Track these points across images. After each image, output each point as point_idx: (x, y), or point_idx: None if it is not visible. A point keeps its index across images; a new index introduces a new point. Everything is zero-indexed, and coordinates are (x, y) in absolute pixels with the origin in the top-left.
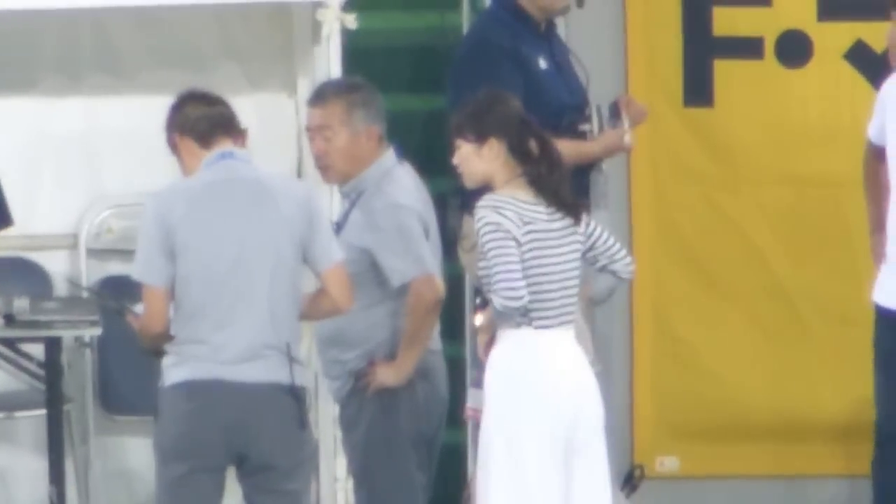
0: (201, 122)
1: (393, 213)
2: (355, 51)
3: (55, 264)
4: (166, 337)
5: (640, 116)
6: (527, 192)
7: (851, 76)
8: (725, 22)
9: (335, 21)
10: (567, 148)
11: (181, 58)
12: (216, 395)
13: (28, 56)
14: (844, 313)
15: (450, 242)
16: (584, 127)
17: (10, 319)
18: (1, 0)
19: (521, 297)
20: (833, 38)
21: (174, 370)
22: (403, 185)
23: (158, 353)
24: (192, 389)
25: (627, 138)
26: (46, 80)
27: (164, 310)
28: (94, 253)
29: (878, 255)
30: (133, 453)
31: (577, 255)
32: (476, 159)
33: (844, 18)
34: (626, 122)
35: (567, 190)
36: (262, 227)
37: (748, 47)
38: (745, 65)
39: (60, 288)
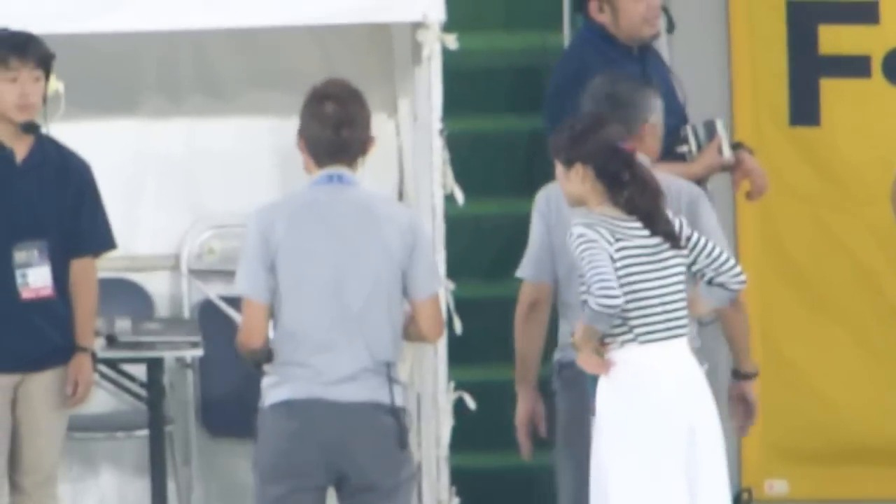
0: (320, 145)
1: None
2: (456, 71)
3: (157, 285)
4: (265, 353)
5: (761, 182)
6: (621, 211)
7: None
8: (831, 40)
9: (435, 41)
10: (667, 172)
11: (281, 79)
12: (316, 415)
13: (129, 78)
14: None
15: None
16: (682, 149)
17: (112, 340)
18: (103, 23)
19: (616, 297)
20: None
21: (274, 390)
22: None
23: (256, 365)
24: (292, 409)
25: (727, 152)
26: (147, 101)
27: (263, 324)
28: (195, 274)
29: None
30: (235, 475)
31: (680, 268)
32: (566, 182)
33: None
34: (723, 138)
35: (661, 214)
36: (362, 250)
37: (855, 66)
38: (851, 83)
39: (162, 309)
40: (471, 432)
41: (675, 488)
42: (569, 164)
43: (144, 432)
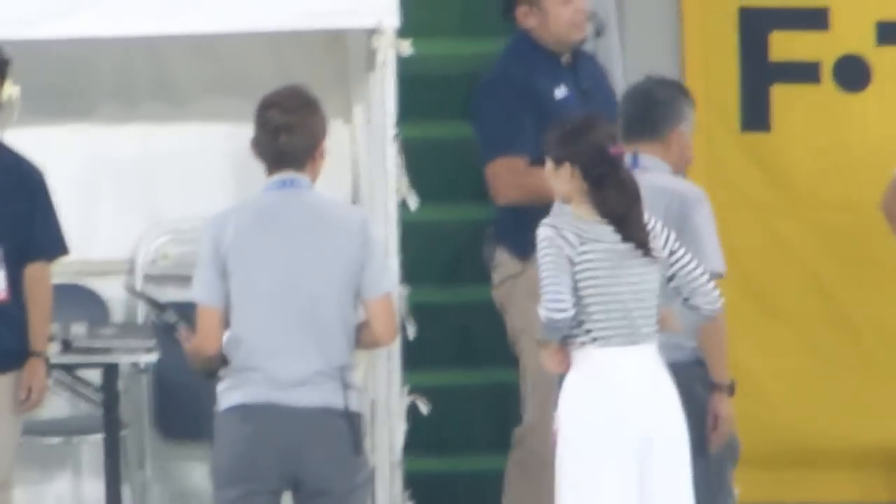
0: (263, 151)
1: None
2: (410, 77)
3: (112, 290)
4: (219, 359)
5: None
6: (597, 212)
7: None
8: (782, 46)
9: (390, 48)
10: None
11: (236, 85)
12: (271, 419)
13: (85, 84)
14: None
15: (486, 272)
16: None
17: (68, 345)
18: (59, 28)
19: (564, 311)
20: (892, 62)
21: (229, 394)
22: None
23: (210, 375)
24: (246, 413)
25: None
26: (103, 107)
27: (217, 330)
28: (150, 279)
29: None
30: (190, 478)
31: (651, 276)
32: (554, 179)
33: None
34: None
35: (635, 220)
36: (314, 254)
37: (805, 72)
38: (802, 89)
39: (117, 314)
40: (424, 436)
41: (621, 496)
42: (558, 162)
43: (99, 437)
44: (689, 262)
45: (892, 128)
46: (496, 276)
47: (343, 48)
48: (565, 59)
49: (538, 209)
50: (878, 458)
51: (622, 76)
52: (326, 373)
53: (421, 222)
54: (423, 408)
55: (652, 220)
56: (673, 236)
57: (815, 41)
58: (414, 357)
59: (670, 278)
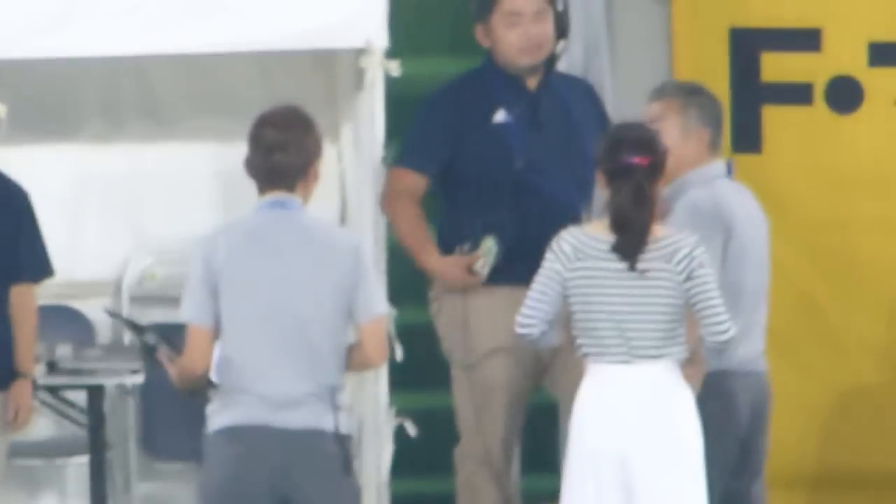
0: (256, 170)
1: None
2: (399, 97)
3: (98, 312)
4: (206, 380)
5: None
6: (607, 227)
7: None
8: (774, 68)
9: (378, 68)
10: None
11: (223, 104)
12: (260, 440)
13: (71, 103)
14: None
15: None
16: (477, 265)
17: (53, 367)
18: (44, 47)
19: (529, 326)
20: (884, 83)
21: (218, 416)
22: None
23: (195, 395)
24: (236, 434)
25: (478, 270)
26: (89, 126)
27: (207, 350)
28: (137, 300)
29: None
30: (176, 500)
31: (656, 297)
32: (599, 187)
33: None
34: (484, 257)
35: (635, 237)
36: (304, 276)
37: (797, 93)
38: (794, 111)
39: (103, 335)
40: (411, 458)
41: None
42: (595, 169)
43: (85, 458)
44: (705, 291)
45: (884, 149)
46: (431, 294)
47: (331, 68)
48: (532, 82)
49: (456, 234)
50: (871, 482)
51: (613, 97)
52: (317, 394)
53: None
54: (411, 429)
55: (681, 240)
56: (699, 260)
57: (807, 62)
58: (401, 378)
59: (689, 301)
